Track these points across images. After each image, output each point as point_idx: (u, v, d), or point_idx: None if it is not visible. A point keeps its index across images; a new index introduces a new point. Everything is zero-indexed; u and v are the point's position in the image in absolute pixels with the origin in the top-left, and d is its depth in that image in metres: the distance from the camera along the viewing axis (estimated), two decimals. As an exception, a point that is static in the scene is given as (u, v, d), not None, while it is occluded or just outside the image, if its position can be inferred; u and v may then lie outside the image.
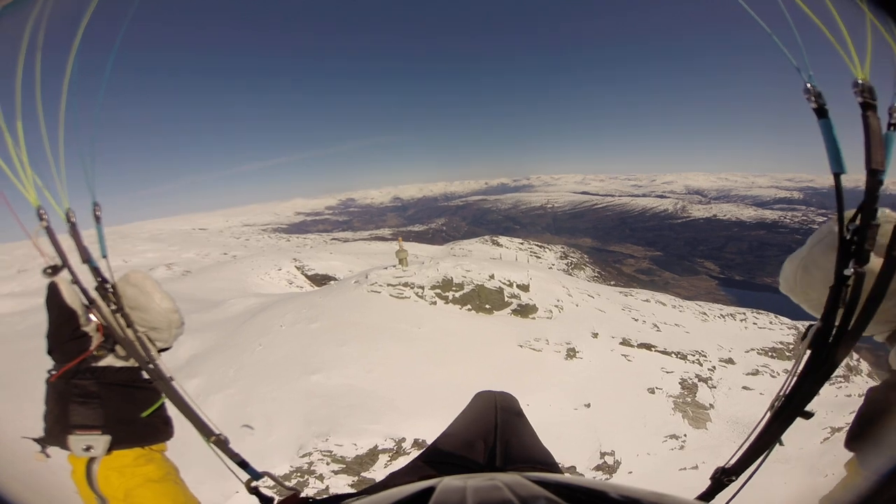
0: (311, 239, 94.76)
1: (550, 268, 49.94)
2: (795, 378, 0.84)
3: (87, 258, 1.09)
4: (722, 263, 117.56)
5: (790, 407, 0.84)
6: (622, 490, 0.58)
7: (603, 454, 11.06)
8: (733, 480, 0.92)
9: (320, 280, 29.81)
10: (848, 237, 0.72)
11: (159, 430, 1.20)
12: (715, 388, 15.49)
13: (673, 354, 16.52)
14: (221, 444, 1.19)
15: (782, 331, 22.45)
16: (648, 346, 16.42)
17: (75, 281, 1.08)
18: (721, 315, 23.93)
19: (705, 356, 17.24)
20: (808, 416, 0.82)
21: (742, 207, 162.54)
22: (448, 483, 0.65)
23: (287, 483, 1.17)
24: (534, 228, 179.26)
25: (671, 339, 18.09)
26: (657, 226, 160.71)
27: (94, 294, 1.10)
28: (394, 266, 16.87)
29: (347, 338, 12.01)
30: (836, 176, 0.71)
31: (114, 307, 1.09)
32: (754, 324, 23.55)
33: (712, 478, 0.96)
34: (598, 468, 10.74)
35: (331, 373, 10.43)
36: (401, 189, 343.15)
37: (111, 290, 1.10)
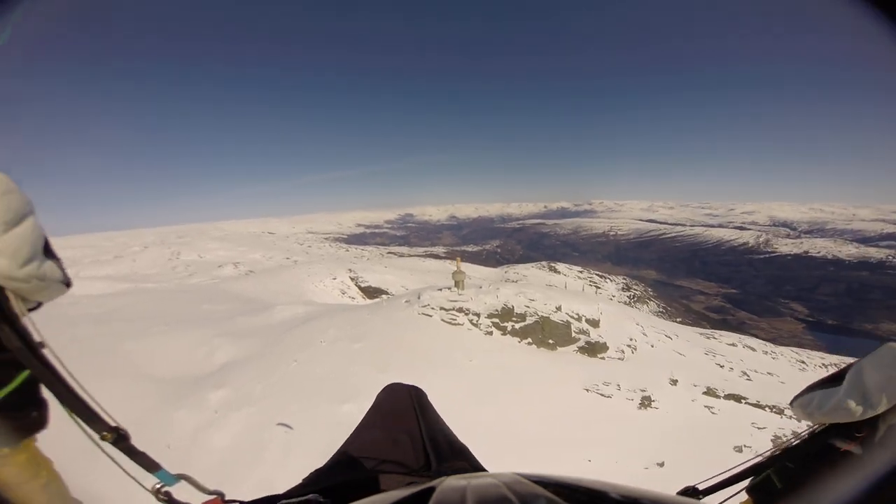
0: (369, 251, 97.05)
1: (611, 299, 46.56)
2: (803, 440, 0.91)
3: None
4: (812, 306, 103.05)
5: (781, 461, 0.90)
6: (622, 490, 0.58)
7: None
8: (699, 500, 0.92)
9: (373, 293, 29.66)
10: None
11: (22, 420, 0.92)
12: (814, 446, 12.56)
13: (767, 408, 13.85)
14: (120, 440, 0.94)
15: None
16: (737, 398, 13.89)
17: None
18: (823, 364, 20.54)
19: (805, 411, 14.31)
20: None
21: (840, 244, 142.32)
22: (448, 483, 0.64)
23: (208, 487, 0.99)
24: (594, 256, 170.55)
25: (764, 389, 15.36)
26: (734, 261, 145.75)
27: None
28: (448, 288, 15.74)
29: (390, 364, 10.97)
30: None
31: None
32: None
33: (680, 493, 0.96)
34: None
35: (365, 403, 9.15)
36: (458, 208, 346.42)
37: None
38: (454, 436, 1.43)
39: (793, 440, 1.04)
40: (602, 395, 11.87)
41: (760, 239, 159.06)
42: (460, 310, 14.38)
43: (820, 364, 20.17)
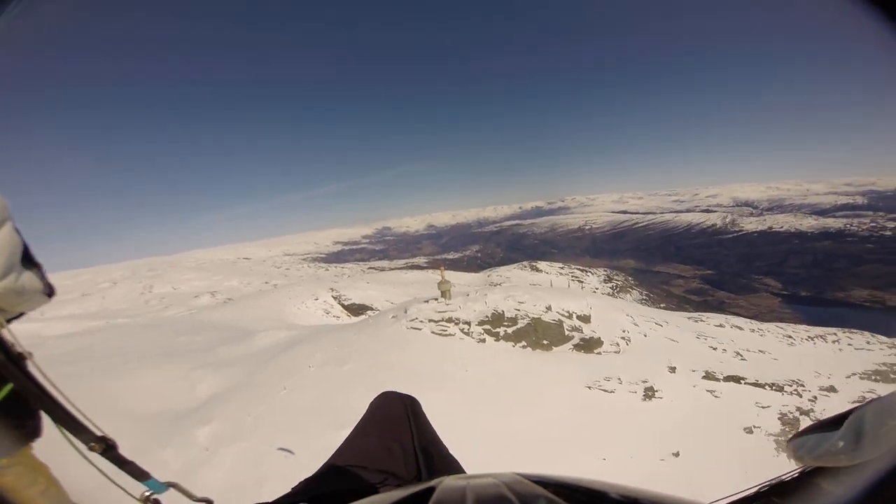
0: (349, 268, 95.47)
1: (595, 292, 47.06)
2: (793, 478, 0.91)
3: None
4: (784, 279, 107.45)
5: (767, 496, 0.92)
6: (622, 490, 0.58)
7: (704, 512, 8.69)
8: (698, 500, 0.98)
9: (357, 310, 28.89)
10: None
11: (15, 429, 0.93)
12: (819, 420, 12.69)
13: (767, 386, 13.95)
14: (109, 450, 0.94)
15: (882, 351, 19.94)
16: (736, 379, 13.92)
17: None
18: (809, 337, 20.98)
19: (803, 385, 14.67)
20: None
21: (800, 217, 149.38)
22: (448, 483, 0.65)
23: (197, 495, 1.04)
24: (572, 252, 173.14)
25: (760, 368, 15.55)
26: (706, 242, 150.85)
27: None
28: (435, 299, 15.25)
29: (383, 383, 10.39)
30: None
31: None
32: (849, 345, 20.71)
33: None
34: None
35: (364, 426, 8.72)
36: (434, 217, 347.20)
37: None
38: (445, 448, 1.41)
39: (782, 477, 1.03)
40: (605, 390, 11.60)
41: (727, 219, 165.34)
42: (450, 320, 13.93)
43: (806, 337, 20.61)
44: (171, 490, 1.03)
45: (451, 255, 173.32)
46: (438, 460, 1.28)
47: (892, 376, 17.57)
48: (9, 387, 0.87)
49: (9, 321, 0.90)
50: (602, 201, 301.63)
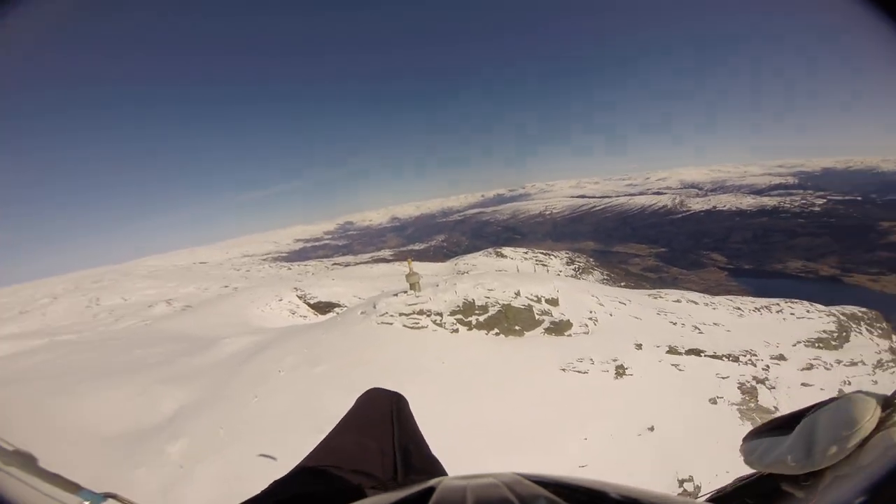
0: (312, 266, 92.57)
1: (558, 274, 48.32)
2: (757, 478, 0.95)
3: None
4: (728, 254, 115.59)
5: (734, 498, 0.94)
6: (622, 490, 0.59)
7: (682, 482, 9.20)
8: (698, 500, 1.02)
9: (324, 308, 28.09)
10: None
11: None
12: (774, 388, 13.85)
13: (724, 357, 14.83)
14: (27, 465, 0.89)
15: (822, 319, 21.46)
16: (697, 352, 14.70)
17: None
18: (756, 308, 22.51)
19: (756, 355, 15.70)
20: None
21: (740, 197, 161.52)
22: (448, 483, 0.64)
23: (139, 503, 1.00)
24: (535, 237, 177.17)
25: (716, 340, 16.50)
26: (658, 222, 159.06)
27: None
28: (405, 292, 15.00)
29: (358, 382, 10.10)
30: None
31: None
32: (791, 314, 22.31)
33: None
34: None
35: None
36: (398, 208, 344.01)
37: None
38: (427, 448, 1.36)
39: (746, 478, 1.05)
40: (579, 371, 11.89)
41: (676, 201, 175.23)
42: (421, 312, 13.75)
43: (753, 308, 22.04)
44: (110, 501, 0.98)
45: (416, 247, 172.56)
46: (418, 460, 1.24)
47: (833, 343, 19.17)
48: None
49: None
50: (561, 187, 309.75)
